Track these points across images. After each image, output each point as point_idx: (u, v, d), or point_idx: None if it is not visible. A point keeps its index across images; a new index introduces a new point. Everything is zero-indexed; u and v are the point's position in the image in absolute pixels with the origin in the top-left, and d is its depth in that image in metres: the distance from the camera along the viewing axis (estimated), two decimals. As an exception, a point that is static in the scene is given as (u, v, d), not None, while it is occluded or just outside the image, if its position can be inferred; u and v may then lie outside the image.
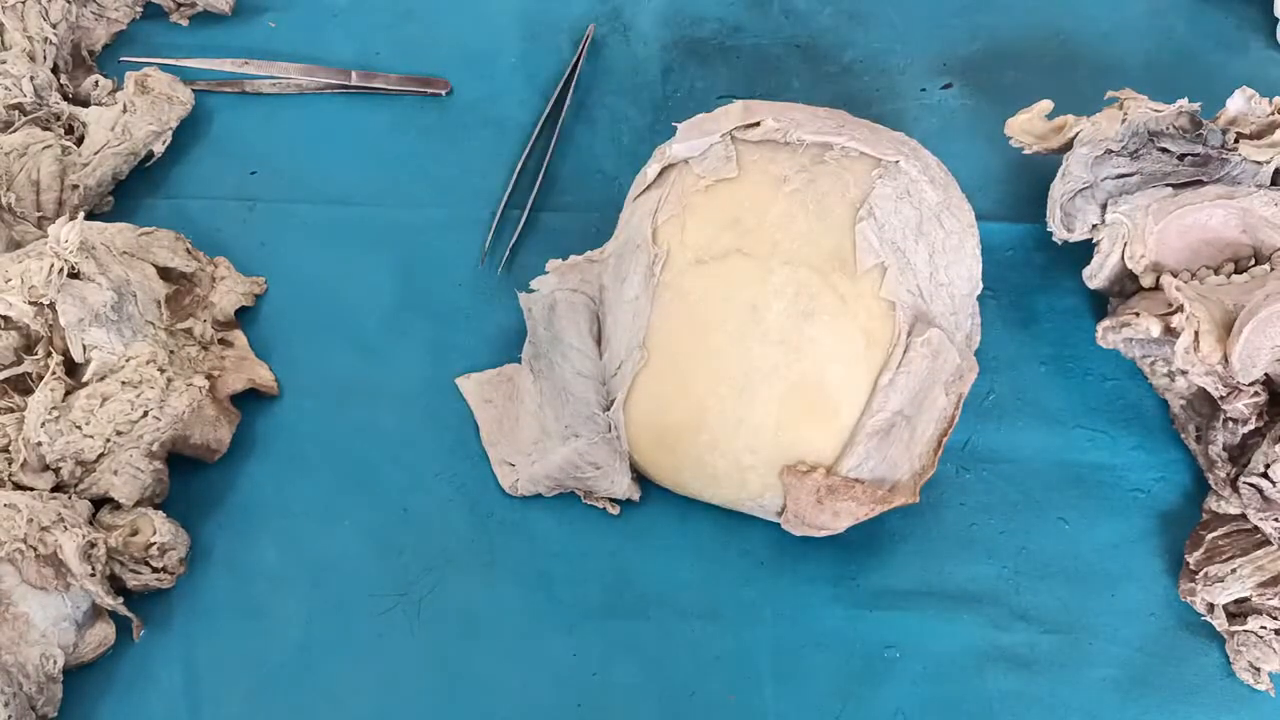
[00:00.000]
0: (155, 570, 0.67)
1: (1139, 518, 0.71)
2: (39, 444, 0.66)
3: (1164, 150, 0.73)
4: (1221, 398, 0.67)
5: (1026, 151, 0.76)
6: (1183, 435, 0.72)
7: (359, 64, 0.87)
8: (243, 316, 0.76)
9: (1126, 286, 0.73)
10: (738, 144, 0.69)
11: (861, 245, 0.65)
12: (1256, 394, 0.67)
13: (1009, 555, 0.70)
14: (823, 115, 0.71)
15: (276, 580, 0.69)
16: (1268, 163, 0.72)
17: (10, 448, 0.67)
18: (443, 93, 0.86)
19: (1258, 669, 0.66)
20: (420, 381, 0.75)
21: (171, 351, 0.71)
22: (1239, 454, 0.69)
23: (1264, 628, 0.66)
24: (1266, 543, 0.67)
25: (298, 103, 0.86)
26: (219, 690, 0.66)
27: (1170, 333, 0.67)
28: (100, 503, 0.68)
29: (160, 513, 0.68)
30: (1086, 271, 0.74)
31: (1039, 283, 0.78)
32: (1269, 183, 0.73)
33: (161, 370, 0.69)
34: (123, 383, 0.68)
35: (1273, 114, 0.73)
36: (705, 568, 0.69)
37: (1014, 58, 0.88)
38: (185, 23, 0.89)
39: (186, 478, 0.71)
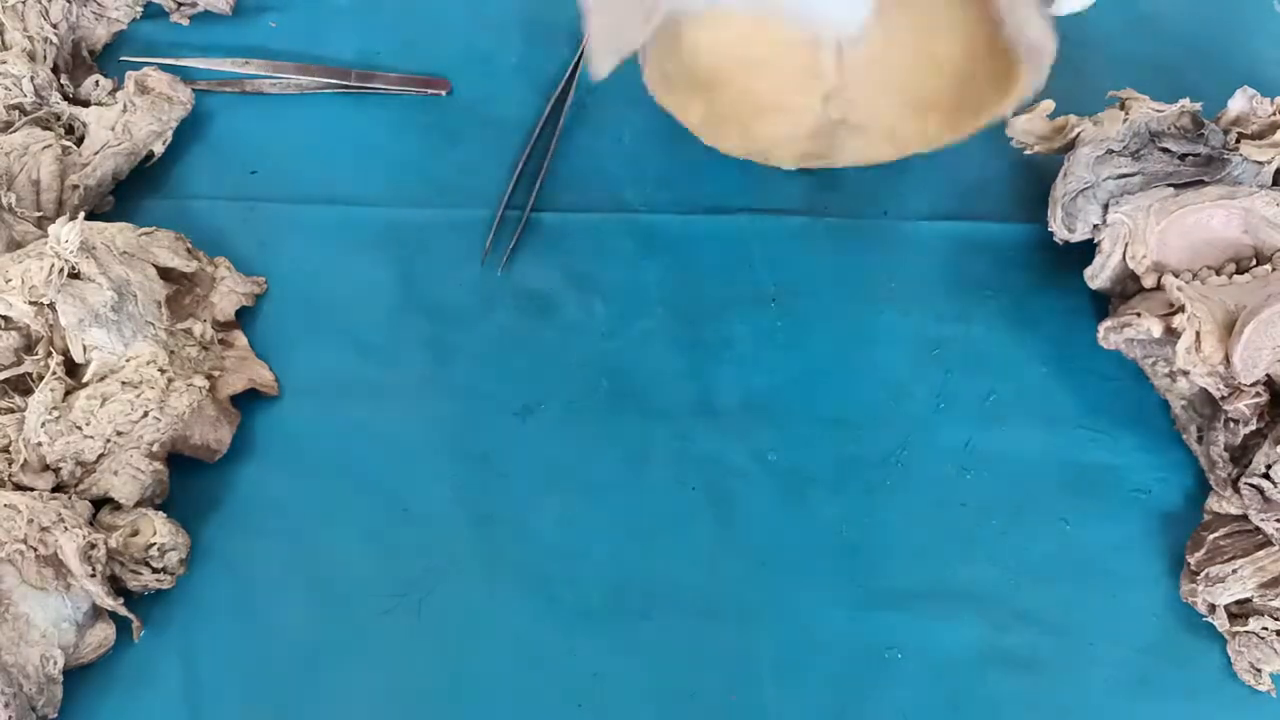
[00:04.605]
0: (155, 571, 0.67)
1: (1140, 518, 0.71)
2: (39, 444, 0.66)
3: (1166, 150, 0.73)
4: (1223, 398, 0.67)
5: (1028, 152, 0.76)
6: (1184, 436, 0.72)
7: (359, 64, 0.87)
8: (243, 316, 0.76)
9: (1128, 287, 0.73)
10: None
11: None
12: (1258, 394, 0.67)
13: (1010, 555, 0.70)
14: None
15: (276, 580, 0.69)
16: (1269, 163, 0.72)
17: (10, 448, 0.67)
18: (443, 93, 0.86)
19: (1259, 670, 0.66)
20: (420, 381, 0.75)
21: (172, 352, 0.71)
22: (1240, 455, 0.69)
23: (1265, 629, 0.66)
24: (1268, 543, 0.67)
25: (298, 103, 0.86)
26: (219, 690, 0.66)
27: (1171, 333, 0.67)
28: (100, 503, 0.68)
29: (160, 513, 0.68)
30: (1088, 272, 0.73)
31: (1040, 283, 0.78)
32: (1270, 183, 0.73)
33: (162, 370, 0.69)
34: (123, 383, 0.68)
35: (1274, 114, 0.73)
36: (705, 567, 0.69)
37: (1015, 57, 0.88)
38: (185, 23, 0.89)
39: (186, 478, 0.71)
